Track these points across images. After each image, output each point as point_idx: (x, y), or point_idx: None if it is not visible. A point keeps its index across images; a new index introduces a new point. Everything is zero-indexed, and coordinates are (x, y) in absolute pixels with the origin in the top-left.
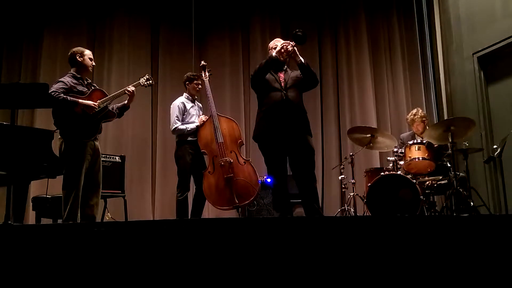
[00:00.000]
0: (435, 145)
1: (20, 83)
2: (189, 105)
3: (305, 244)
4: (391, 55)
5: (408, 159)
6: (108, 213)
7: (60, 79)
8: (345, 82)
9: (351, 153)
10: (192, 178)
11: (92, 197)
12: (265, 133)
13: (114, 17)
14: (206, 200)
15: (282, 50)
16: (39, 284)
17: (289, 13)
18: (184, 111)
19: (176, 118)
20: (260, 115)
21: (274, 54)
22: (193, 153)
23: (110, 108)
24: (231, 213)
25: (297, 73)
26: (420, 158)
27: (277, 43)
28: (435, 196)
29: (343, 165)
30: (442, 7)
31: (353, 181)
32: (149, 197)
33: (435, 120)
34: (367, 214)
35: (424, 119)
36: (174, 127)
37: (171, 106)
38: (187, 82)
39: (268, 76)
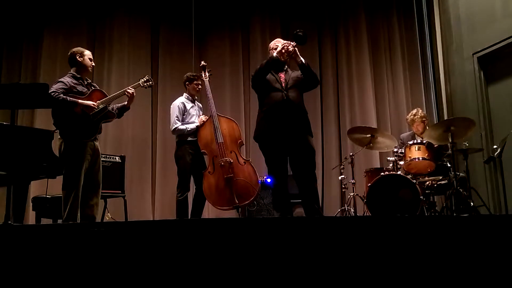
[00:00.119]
0: (435, 145)
1: (20, 83)
2: (189, 105)
3: (305, 244)
4: (391, 55)
5: (408, 159)
6: (108, 213)
7: (60, 79)
8: (345, 82)
9: (351, 153)
10: (192, 178)
11: (92, 197)
12: (266, 133)
13: (114, 17)
14: (206, 200)
15: (283, 51)
16: (39, 284)
17: (289, 13)
18: (184, 111)
19: (176, 118)
20: (261, 115)
21: (275, 54)
22: (193, 153)
23: (109, 108)
24: (231, 213)
25: (297, 73)
26: (420, 158)
27: (278, 44)
28: (435, 196)
29: (343, 165)
30: (442, 7)
31: (353, 181)
32: (149, 197)
33: (435, 120)
34: (367, 214)
35: (424, 119)
36: (174, 127)
37: (171, 106)
38: (187, 82)
39: (269, 76)
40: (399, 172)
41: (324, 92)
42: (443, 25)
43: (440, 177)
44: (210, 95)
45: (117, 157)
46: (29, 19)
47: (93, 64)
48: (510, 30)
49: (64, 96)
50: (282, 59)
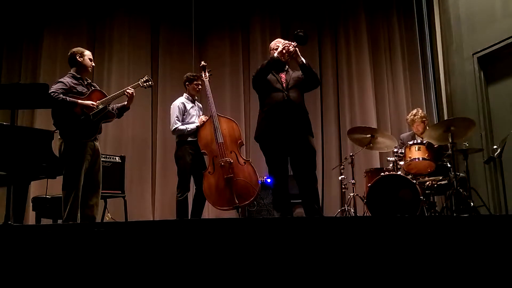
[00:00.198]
0: (435, 146)
1: (20, 84)
2: (189, 105)
3: (305, 244)
4: (391, 55)
5: (408, 159)
6: (108, 214)
7: (60, 80)
8: (345, 82)
9: (351, 154)
10: (192, 179)
11: (92, 198)
12: (267, 133)
13: (114, 17)
14: (206, 201)
15: (284, 51)
16: (39, 284)
17: (289, 13)
18: (184, 112)
19: (176, 118)
20: (262, 116)
21: (275, 54)
22: (193, 153)
23: (109, 108)
24: (231, 214)
25: (298, 73)
26: (420, 159)
27: (279, 44)
28: (435, 197)
29: (343, 165)
30: (442, 7)
31: (353, 181)
32: (149, 198)
33: (435, 121)
34: (367, 215)
35: (424, 119)
36: (174, 127)
37: (171, 106)
38: (187, 83)
39: (270, 76)
40: (399, 172)
41: (324, 92)
42: (443, 25)
43: (440, 177)
44: (210, 95)
45: (117, 157)
46: (29, 19)
47: (93, 64)
48: (510, 30)
49: (64, 96)
50: (283, 60)
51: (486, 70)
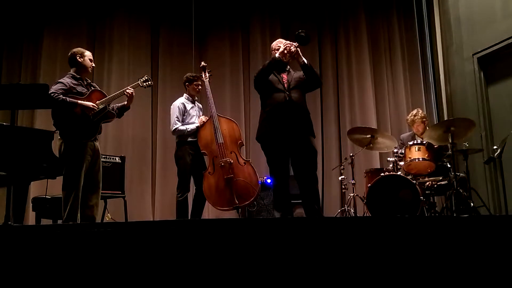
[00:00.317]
0: (435, 146)
1: (20, 84)
2: (189, 105)
3: (305, 245)
4: (391, 55)
5: (408, 159)
6: (108, 214)
7: (60, 80)
8: (345, 82)
9: (351, 154)
10: (192, 179)
11: (92, 198)
12: (268, 133)
13: (114, 17)
14: (206, 201)
15: (285, 51)
16: (40, 284)
17: (289, 13)
18: (184, 112)
19: (176, 118)
20: (263, 116)
21: (277, 55)
22: (193, 153)
23: (109, 108)
24: (231, 214)
25: (300, 74)
26: (420, 159)
27: (280, 44)
28: (435, 197)
29: (343, 165)
30: (442, 7)
31: (353, 181)
32: (149, 198)
33: (435, 121)
34: (367, 215)
35: (424, 119)
36: (174, 128)
37: (171, 106)
38: (186, 83)
39: (271, 77)
40: (399, 173)
41: (324, 92)
42: (443, 25)
43: (440, 178)
44: (210, 95)
45: (117, 158)
46: (29, 19)
47: (93, 65)
48: (510, 30)
49: (64, 97)
50: (285, 60)
51: (486, 70)
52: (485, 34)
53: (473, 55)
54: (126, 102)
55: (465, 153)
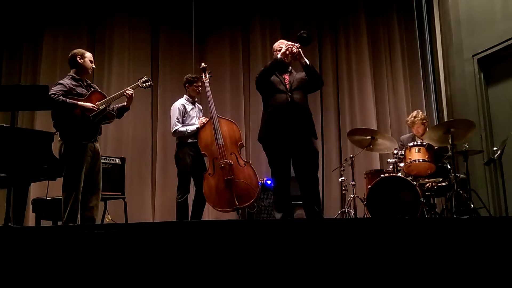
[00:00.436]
0: (435, 147)
1: (20, 85)
2: (189, 107)
3: (305, 246)
4: (391, 56)
5: (408, 161)
6: (108, 215)
7: (60, 81)
8: (345, 83)
9: (351, 155)
10: (192, 180)
11: (92, 199)
12: (270, 135)
13: (114, 18)
14: (206, 202)
15: (287, 52)
16: (40, 286)
17: (289, 14)
18: (184, 113)
19: (176, 120)
20: (265, 117)
21: (279, 56)
22: (193, 155)
23: (109, 109)
24: (231, 215)
25: (302, 74)
26: (420, 160)
27: (282, 45)
28: (435, 198)
29: (343, 167)
30: (442, 9)
31: (353, 183)
32: (149, 199)
33: (435, 122)
34: (367, 216)
35: (424, 121)
36: (174, 129)
37: (171, 108)
38: (187, 84)
39: (273, 78)
40: (399, 174)
41: (324, 93)
42: (443, 26)
43: (440, 179)
44: (210, 96)
45: (117, 159)
46: (29, 20)
47: (94, 66)
48: (510, 31)
49: (64, 98)
50: (286, 61)
51: (486, 71)
52: (485, 35)
53: (473, 56)
54: (125, 103)
55: (465, 154)
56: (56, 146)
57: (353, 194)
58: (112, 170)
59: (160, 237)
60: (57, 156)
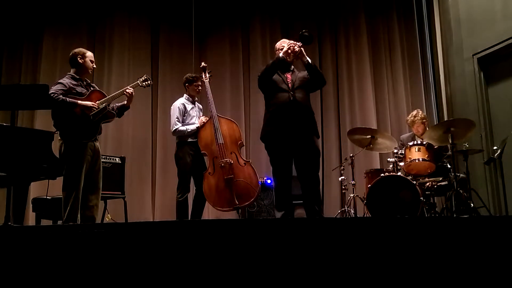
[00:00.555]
0: (435, 146)
1: (20, 84)
2: (189, 106)
3: (305, 245)
4: (391, 56)
5: (408, 160)
6: (108, 215)
7: (59, 81)
8: (345, 83)
9: (351, 154)
10: (192, 179)
11: (92, 198)
12: (273, 133)
13: (114, 18)
14: (206, 201)
15: (289, 51)
16: (40, 285)
17: (289, 14)
18: (184, 113)
19: (176, 119)
20: (267, 116)
21: (281, 55)
22: (193, 154)
23: (109, 108)
24: (231, 215)
25: (304, 73)
26: (420, 159)
27: (284, 44)
28: (435, 197)
29: (343, 166)
30: (442, 8)
31: (353, 182)
32: (149, 198)
33: (435, 122)
34: (367, 216)
35: (424, 120)
36: (174, 128)
37: (171, 107)
38: (186, 84)
39: (275, 77)
40: (399, 173)
41: (324, 92)
42: (443, 26)
43: (440, 178)
44: (210, 96)
45: (117, 158)
46: (29, 20)
47: (94, 66)
48: (510, 31)
49: (64, 97)
50: (289, 60)
51: (486, 71)
52: (485, 35)
53: (473, 55)
54: (125, 102)
55: (465, 154)
56: (56, 145)
57: (353, 193)
58: (112, 169)
59: (160, 237)
60: (57, 155)
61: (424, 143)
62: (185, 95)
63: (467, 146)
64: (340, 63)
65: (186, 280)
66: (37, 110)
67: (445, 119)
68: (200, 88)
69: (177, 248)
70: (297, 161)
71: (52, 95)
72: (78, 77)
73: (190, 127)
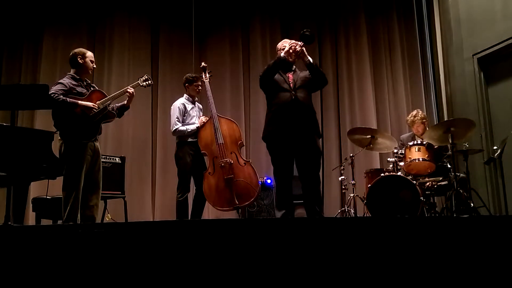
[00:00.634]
0: (435, 146)
1: (20, 84)
2: (189, 106)
3: (305, 245)
4: (391, 56)
5: (408, 160)
6: (108, 214)
7: (60, 81)
8: (345, 83)
9: (351, 154)
10: (192, 179)
11: (92, 198)
12: (274, 133)
13: (114, 18)
14: (206, 201)
15: (291, 51)
16: (40, 285)
17: (289, 14)
18: (184, 112)
19: (176, 119)
20: (269, 116)
21: (282, 54)
22: (193, 154)
23: (109, 108)
24: (231, 214)
25: (306, 73)
26: (420, 159)
27: (285, 44)
28: (435, 197)
29: (343, 166)
30: (442, 8)
31: (353, 182)
32: (149, 198)
33: (435, 121)
34: (367, 215)
35: (424, 120)
36: (174, 128)
37: (172, 107)
38: (186, 84)
39: (277, 76)
40: (399, 173)
41: (324, 92)
42: (443, 26)
43: (440, 178)
44: (210, 96)
45: (117, 158)
46: (29, 20)
47: (95, 66)
48: (510, 31)
49: (64, 98)
50: (290, 60)
51: (486, 71)
52: (485, 35)
53: (473, 55)
54: (125, 102)
55: (465, 154)
56: (56, 145)
57: (353, 193)
58: (112, 169)
59: (160, 236)
60: (57, 155)
61: (424, 143)
62: (185, 95)
63: (467, 146)
64: (340, 63)
65: (186, 280)
66: (37, 110)
67: (445, 119)
68: (200, 88)
69: (177, 248)
70: (298, 161)
71: (52, 95)
72: (78, 77)
73: (190, 127)
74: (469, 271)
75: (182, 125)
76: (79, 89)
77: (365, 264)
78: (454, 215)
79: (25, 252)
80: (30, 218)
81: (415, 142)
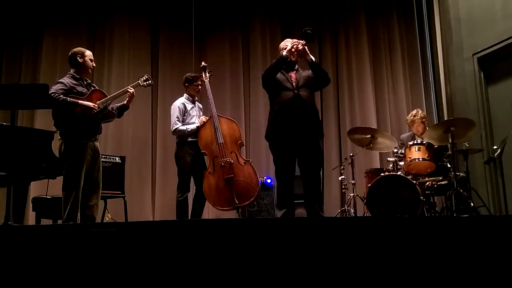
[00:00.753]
0: (435, 146)
1: (20, 84)
2: (189, 106)
3: (306, 244)
4: (391, 55)
5: (408, 159)
6: (108, 214)
7: (60, 80)
8: (345, 82)
9: (351, 154)
10: (192, 179)
11: (92, 198)
12: (277, 133)
13: (114, 18)
14: (206, 201)
15: (293, 50)
16: (40, 284)
17: (289, 14)
18: (184, 112)
19: (176, 119)
20: (272, 115)
21: (284, 53)
22: (193, 153)
23: (109, 108)
24: (231, 214)
25: (308, 72)
26: (420, 159)
27: (288, 43)
28: (435, 197)
29: (343, 165)
30: (442, 8)
31: (353, 181)
32: (149, 198)
33: (435, 121)
34: (367, 215)
35: (424, 120)
36: (174, 128)
37: (172, 107)
38: (186, 84)
39: (280, 75)
40: (399, 173)
41: (324, 92)
42: (443, 25)
43: (440, 178)
44: (210, 95)
45: (117, 158)
46: (29, 20)
47: (94, 65)
48: (510, 30)
49: (64, 97)
50: (292, 59)
51: (486, 70)
52: (485, 34)
53: (473, 55)
54: (125, 102)
55: (465, 153)
56: (56, 145)
57: (353, 192)
58: (112, 168)
59: (160, 236)
60: (57, 155)
61: (424, 142)
62: (185, 94)
63: (467, 145)
64: (340, 63)
65: (186, 280)
66: (37, 110)
67: (445, 118)
68: (200, 87)
69: (177, 247)
70: (300, 161)
71: (52, 94)
72: (78, 76)
73: (190, 127)
74: (469, 270)
75: (182, 125)
76: (79, 88)
77: (365, 263)
78: (454, 215)
79: (25, 252)
80: (30, 218)
81: (415, 142)
